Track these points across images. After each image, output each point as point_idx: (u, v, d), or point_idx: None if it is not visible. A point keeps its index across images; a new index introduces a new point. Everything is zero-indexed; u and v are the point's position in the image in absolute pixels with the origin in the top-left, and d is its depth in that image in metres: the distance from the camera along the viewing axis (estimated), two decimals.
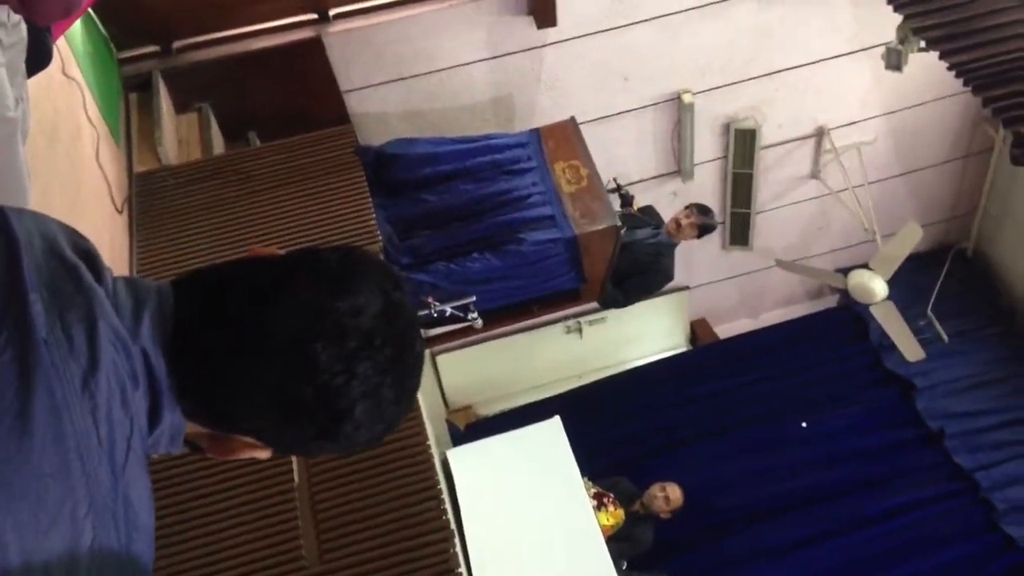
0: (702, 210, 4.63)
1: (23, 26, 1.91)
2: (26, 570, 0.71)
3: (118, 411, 0.80)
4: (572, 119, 4.38)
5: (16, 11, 1.78)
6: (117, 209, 3.67)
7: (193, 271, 0.91)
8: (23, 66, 1.96)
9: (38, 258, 0.82)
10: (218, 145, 4.43)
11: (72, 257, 0.85)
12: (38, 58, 2.07)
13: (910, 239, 4.94)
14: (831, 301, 6.79)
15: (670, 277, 4.68)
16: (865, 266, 5.12)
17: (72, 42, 3.57)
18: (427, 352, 4.99)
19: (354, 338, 0.83)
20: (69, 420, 0.76)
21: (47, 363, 0.76)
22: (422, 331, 0.92)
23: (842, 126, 5.75)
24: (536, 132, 4.31)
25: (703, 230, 4.58)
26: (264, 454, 0.93)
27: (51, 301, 0.80)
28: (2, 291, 0.78)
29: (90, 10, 3.73)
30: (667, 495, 4.73)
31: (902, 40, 4.40)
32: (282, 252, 0.93)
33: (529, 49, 4.86)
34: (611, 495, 4.62)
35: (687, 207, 4.66)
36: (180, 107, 4.43)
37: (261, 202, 3.83)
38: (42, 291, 0.80)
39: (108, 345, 0.80)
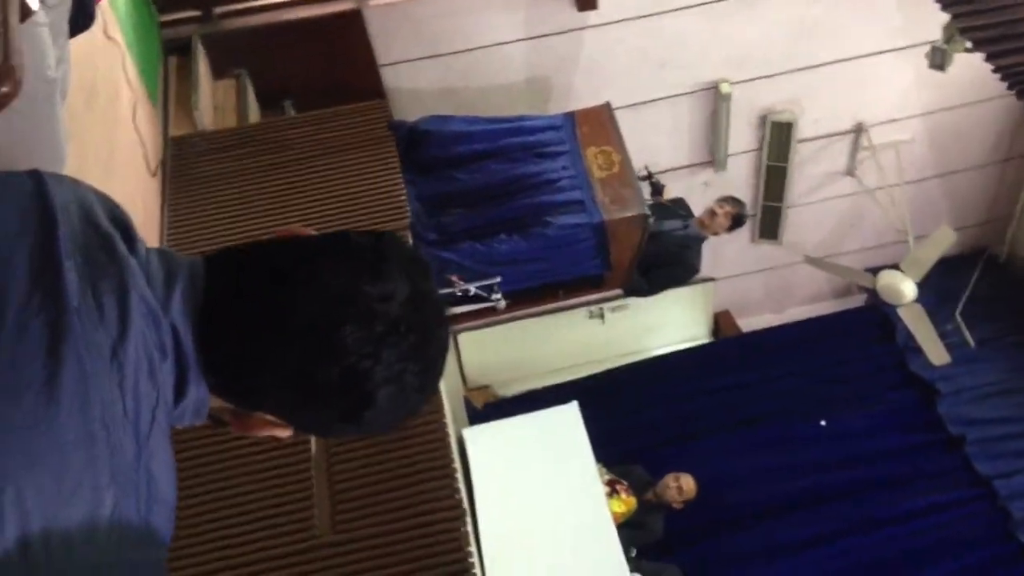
0: (735, 202, 4.62)
1: None
2: (46, 537, 0.72)
3: (145, 382, 0.81)
4: (607, 104, 4.36)
5: None
6: (151, 172, 3.70)
7: (226, 247, 0.92)
8: (66, 27, 1.97)
9: (74, 225, 0.83)
10: (253, 113, 4.46)
11: (107, 226, 0.86)
12: (81, 19, 2.08)
13: (943, 242, 4.88)
14: (858, 300, 6.73)
15: (695, 270, 4.67)
16: (895, 267, 5.06)
17: (115, 3, 3.59)
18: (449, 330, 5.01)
19: (382, 323, 0.84)
20: (96, 389, 0.76)
21: (77, 331, 0.77)
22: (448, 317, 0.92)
23: (881, 123, 5.67)
24: (570, 116, 4.29)
25: (735, 222, 4.57)
26: (285, 433, 0.93)
27: (84, 269, 0.80)
28: (37, 257, 0.79)
29: None
30: (680, 486, 4.73)
31: (948, 39, 4.33)
32: (315, 233, 0.93)
33: (568, 31, 4.84)
34: (624, 483, 4.62)
35: (719, 199, 4.65)
36: (218, 73, 4.45)
37: (293, 172, 3.85)
38: (76, 258, 0.81)
39: (138, 316, 0.81)
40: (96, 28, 2.82)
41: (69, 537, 0.73)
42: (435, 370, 0.91)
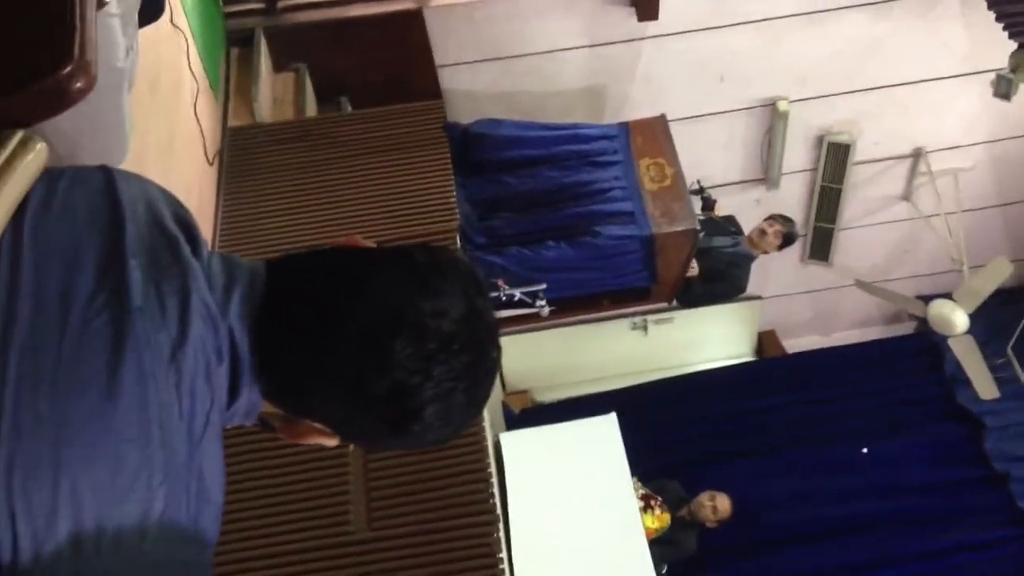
0: (785, 221, 4.57)
1: None
2: (98, 532, 0.73)
3: (201, 385, 0.82)
4: (662, 116, 4.33)
5: None
6: (208, 161, 3.76)
7: (286, 255, 0.93)
8: (136, 17, 2.01)
9: (140, 225, 0.85)
10: (311, 107, 4.51)
11: (173, 227, 0.87)
12: (152, 10, 2.13)
13: (998, 274, 4.78)
14: (907, 328, 6.61)
15: (742, 289, 4.62)
16: (948, 296, 4.97)
17: None
18: None
19: (434, 340, 0.84)
20: (155, 389, 0.78)
21: (139, 330, 0.78)
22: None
23: (941, 149, 5.57)
24: (625, 126, 4.28)
25: (785, 241, 4.53)
26: (332, 442, 0.94)
27: (148, 269, 0.82)
28: (105, 254, 0.81)
29: None
30: (715, 505, 4.69)
31: (1014, 68, 4.25)
32: (374, 245, 0.94)
33: (627, 41, 4.82)
34: (659, 498, 4.59)
35: (769, 217, 4.61)
36: (278, 66, 4.51)
37: (346, 168, 3.88)
38: (141, 258, 0.82)
39: (198, 319, 0.82)
40: (163, 17, 2.87)
41: (120, 535, 0.74)
42: (484, 390, 0.91)
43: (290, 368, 0.87)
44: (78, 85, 0.87)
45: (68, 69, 0.86)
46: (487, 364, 0.90)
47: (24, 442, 0.73)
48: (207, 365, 0.83)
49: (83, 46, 0.88)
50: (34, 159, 0.82)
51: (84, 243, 0.81)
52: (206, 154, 3.74)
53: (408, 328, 0.83)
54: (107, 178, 0.87)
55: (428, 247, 0.91)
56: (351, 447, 3.04)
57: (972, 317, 4.90)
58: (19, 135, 0.82)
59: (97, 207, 0.84)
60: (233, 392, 0.87)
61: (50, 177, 0.85)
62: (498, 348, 0.92)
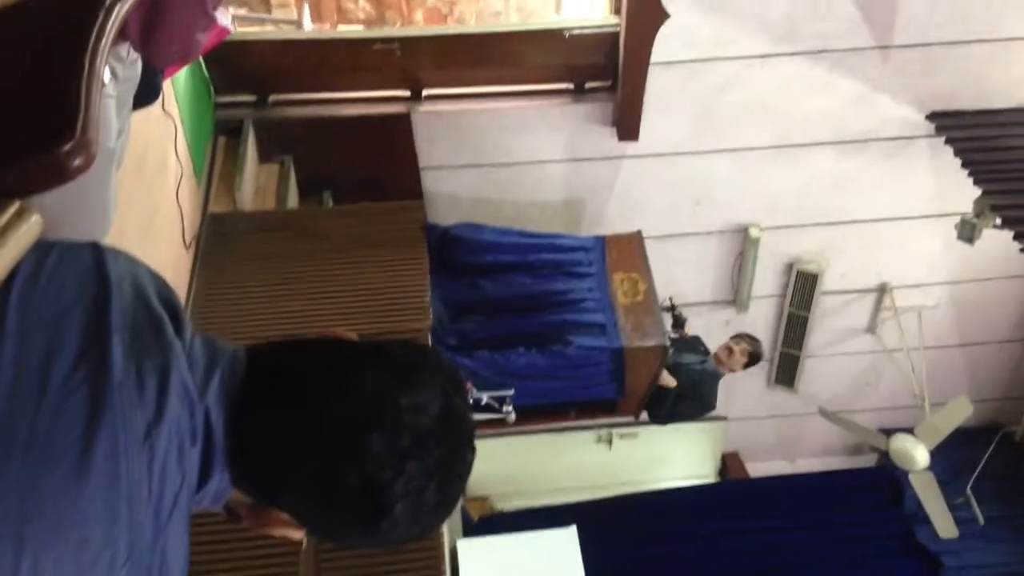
0: (751, 340, 4.65)
1: (139, 64, 2.00)
2: None
3: (172, 466, 0.81)
4: (638, 233, 4.43)
5: (136, 50, 1.87)
6: (185, 244, 3.76)
7: (269, 342, 0.93)
8: (131, 101, 2.05)
9: (126, 301, 0.85)
10: (293, 199, 4.55)
11: (158, 307, 0.88)
12: (146, 94, 2.16)
13: (959, 413, 4.84)
14: (869, 460, 6.63)
15: (710, 407, 4.65)
16: (910, 431, 5.01)
17: (175, 80, 3.73)
18: None
19: (409, 435, 0.84)
20: (126, 467, 0.77)
21: (117, 407, 0.78)
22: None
23: (906, 286, 5.70)
24: (601, 239, 4.36)
25: (751, 360, 4.60)
26: (298, 535, 0.92)
27: (131, 346, 0.82)
28: (89, 329, 0.81)
29: None
30: None
31: (978, 214, 4.40)
32: (355, 337, 0.94)
33: (607, 158, 4.95)
34: None
35: (736, 336, 4.68)
36: (264, 157, 4.57)
37: (323, 261, 3.90)
38: (124, 334, 0.82)
39: (175, 399, 0.82)
40: (155, 102, 2.92)
41: None
42: (455, 490, 0.90)
43: (263, 456, 0.86)
44: (77, 162, 0.89)
45: (69, 146, 0.88)
46: (461, 464, 0.89)
47: None
48: (180, 445, 0.82)
49: (86, 124, 0.89)
50: (28, 230, 0.82)
51: (69, 317, 0.81)
52: (184, 238, 3.75)
53: (385, 422, 0.83)
54: (96, 255, 0.88)
55: (410, 343, 0.92)
56: (303, 548, 2.96)
57: (933, 454, 4.93)
58: (16, 205, 0.83)
59: (85, 283, 0.84)
60: (204, 475, 0.85)
61: (40, 249, 0.86)
62: (473, 450, 0.91)
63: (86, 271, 0.85)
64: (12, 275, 0.82)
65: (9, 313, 0.79)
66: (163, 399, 0.81)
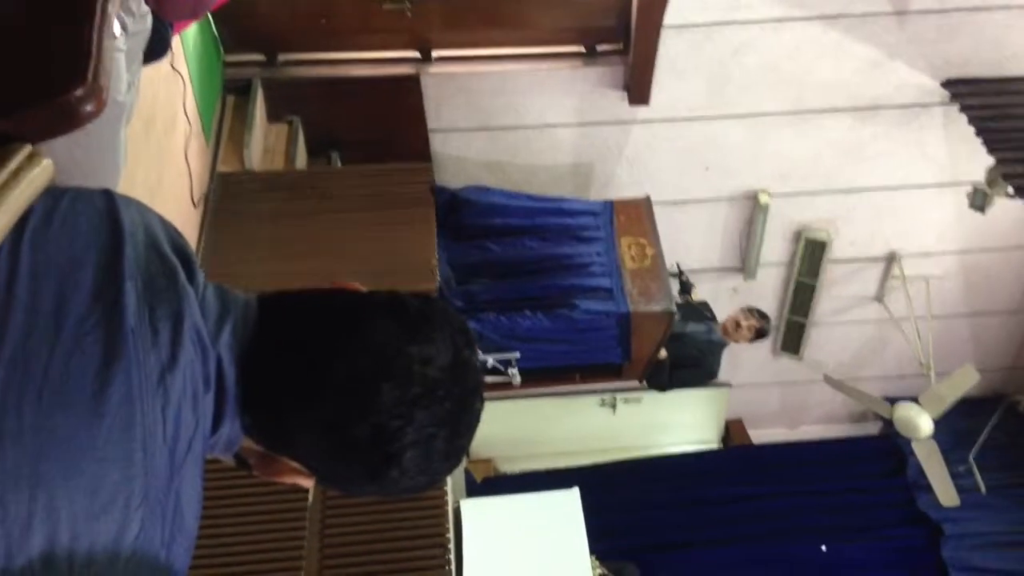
0: (761, 316, 4.64)
1: (149, 18, 1.99)
2: (71, 550, 0.72)
3: (187, 411, 0.82)
4: (647, 198, 4.41)
5: (147, 3, 1.86)
6: (193, 203, 3.77)
7: (280, 292, 0.93)
8: (141, 55, 2.04)
9: (139, 249, 0.85)
10: (301, 159, 4.54)
11: (170, 254, 0.88)
12: (156, 49, 2.15)
13: (964, 382, 4.84)
14: (873, 427, 6.65)
15: (713, 375, 4.66)
16: (914, 400, 5.02)
17: (185, 38, 3.70)
18: None
19: (419, 385, 0.84)
20: (140, 411, 0.77)
21: (130, 352, 0.78)
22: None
23: (914, 255, 5.69)
24: (610, 204, 4.34)
25: (758, 335, 4.60)
26: (308, 483, 0.93)
27: (144, 292, 0.82)
28: (102, 274, 0.81)
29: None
30: None
31: (991, 183, 4.38)
32: (364, 289, 0.95)
33: (617, 123, 4.92)
34: None
35: (746, 309, 4.67)
36: (272, 117, 4.56)
37: (331, 221, 3.90)
38: (137, 281, 0.82)
39: (189, 345, 0.82)
40: (165, 58, 2.91)
41: (92, 554, 0.73)
42: (464, 440, 0.90)
43: (274, 403, 0.86)
44: (88, 108, 0.89)
45: (81, 91, 0.88)
46: (470, 414, 0.90)
47: (5, 451, 0.72)
48: (194, 391, 0.82)
49: (97, 71, 0.89)
50: (40, 173, 0.82)
51: (82, 261, 0.81)
52: (192, 196, 3.75)
53: (395, 372, 0.84)
54: (109, 201, 0.88)
55: (421, 295, 0.92)
56: (309, 503, 2.99)
57: (936, 423, 4.93)
58: (27, 149, 0.83)
59: (97, 228, 0.84)
60: (217, 421, 0.86)
61: (53, 195, 0.86)
62: (481, 400, 0.92)
63: (99, 217, 0.85)
64: (24, 219, 0.82)
65: (22, 255, 0.79)
66: (177, 345, 0.81)
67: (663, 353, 4.30)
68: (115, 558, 0.74)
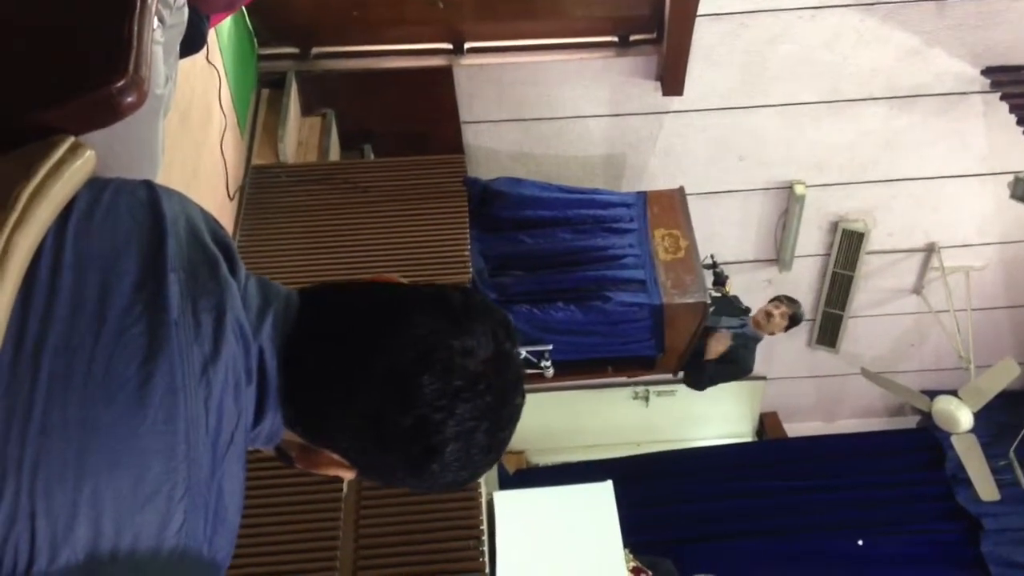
0: (791, 302, 4.59)
1: (186, 10, 2.00)
2: (116, 539, 0.73)
3: (230, 402, 0.82)
4: (681, 189, 4.37)
5: None
6: (229, 195, 3.79)
7: (321, 284, 0.93)
8: (178, 48, 2.05)
9: (181, 240, 0.85)
10: (334, 152, 4.56)
11: (212, 246, 0.88)
12: (192, 43, 2.16)
13: (1005, 375, 4.76)
14: (910, 421, 6.57)
15: (748, 370, 4.60)
16: (954, 393, 4.94)
17: (219, 31, 3.73)
18: None
19: (460, 377, 0.84)
20: (183, 403, 0.77)
21: (174, 343, 0.78)
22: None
23: (954, 246, 5.60)
24: (643, 195, 4.31)
25: (792, 322, 4.54)
26: (349, 475, 0.93)
27: (187, 284, 0.82)
28: (145, 265, 0.81)
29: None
30: None
31: None
32: (405, 281, 0.94)
33: (651, 113, 4.88)
34: (650, 572, 4.51)
35: (775, 299, 4.62)
36: (306, 110, 4.57)
37: (364, 213, 3.91)
38: (180, 272, 0.82)
39: (232, 337, 0.83)
40: (199, 52, 2.93)
41: (136, 545, 0.73)
42: (505, 433, 0.90)
43: (315, 396, 0.86)
44: (129, 99, 0.89)
45: (122, 82, 0.88)
46: (510, 408, 0.89)
47: (51, 442, 0.72)
48: (236, 383, 0.83)
49: (138, 62, 0.90)
50: (82, 165, 0.83)
51: (125, 252, 0.81)
52: (227, 188, 3.77)
53: (436, 364, 0.83)
54: (151, 192, 0.88)
55: (462, 288, 0.91)
56: (344, 494, 3.01)
57: (976, 417, 4.87)
58: (69, 140, 0.84)
59: (140, 219, 0.84)
60: (259, 414, 0.86)
61: (96, 185, 0.86)
62: (522, 395, 0.91)
63: (141, 208, 0.85)
64: (68, 209, 0.82)
65: (66, 246, 0.80)
66: (219, 337, 0.81)
67: (722, 347, 4.26)
68: (158, 550, 0.75)
